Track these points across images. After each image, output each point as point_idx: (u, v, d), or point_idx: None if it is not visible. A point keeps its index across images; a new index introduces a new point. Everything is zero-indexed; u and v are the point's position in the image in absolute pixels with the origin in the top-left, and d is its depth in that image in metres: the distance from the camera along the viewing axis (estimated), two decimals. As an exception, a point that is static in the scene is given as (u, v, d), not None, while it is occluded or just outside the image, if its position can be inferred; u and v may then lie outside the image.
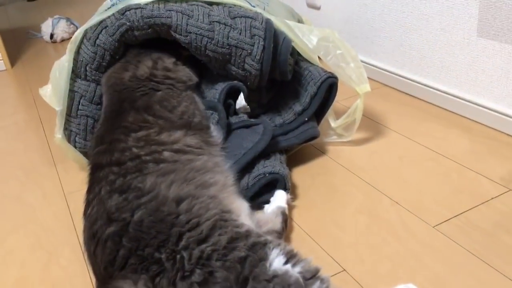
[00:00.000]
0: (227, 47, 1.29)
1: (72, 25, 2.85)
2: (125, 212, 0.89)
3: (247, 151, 1.23)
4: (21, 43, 2.84)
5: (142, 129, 1.09)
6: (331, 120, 1.49)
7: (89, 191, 1.01)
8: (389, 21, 1.82)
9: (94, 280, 1.05)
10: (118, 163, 1.00)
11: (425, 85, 1.75)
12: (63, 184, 1.42)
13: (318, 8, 2.19)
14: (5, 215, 1.31)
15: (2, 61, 2.44)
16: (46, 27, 2.82)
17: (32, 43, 2.83)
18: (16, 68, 2.46)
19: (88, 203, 0.98)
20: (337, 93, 1.42)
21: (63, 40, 2.81)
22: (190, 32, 1.28)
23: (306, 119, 1.40)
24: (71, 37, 2.97)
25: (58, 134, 1.34)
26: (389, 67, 1.89)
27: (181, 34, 1.28)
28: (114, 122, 1.12)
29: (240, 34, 1.29)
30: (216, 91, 1.34)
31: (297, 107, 1.41)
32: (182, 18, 1.28)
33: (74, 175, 1.45)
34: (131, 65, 1.29)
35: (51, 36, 2.79)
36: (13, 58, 2.56)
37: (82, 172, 1.46)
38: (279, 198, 1.19)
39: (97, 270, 0.90)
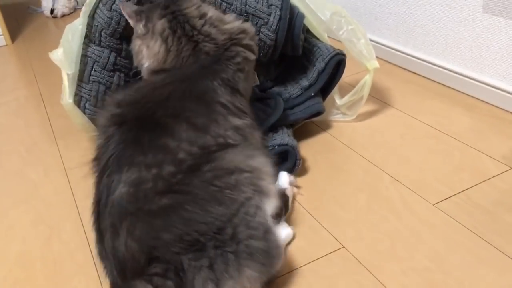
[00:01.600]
0: (245, 14, 1.31)
1: (72, 0, 2.81)
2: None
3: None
4: (21, 18, 2.81)
5: (240, 117, 1.04)
6: (337, 98, 1.48)
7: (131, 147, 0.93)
8: (394, -4, 1.79)
9: (94, 252, 1.06)
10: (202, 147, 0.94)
11: (428, 62, 1.73)
12: (63, 160, 1.42)
13: (321, -17, 2.15)
14: (6, 191, 1.32)
15: (2, 36, 2.43)
16: (47, 2, 2.79)
17: (32, 18, 2.80)
18: (17, 44, 2.44)
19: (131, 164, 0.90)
20: (342, 71, 1.41)
21: (63, 15, 2.78)
22: None
23: (313, 94, 1.40)
24: (71, 12, 2.94)
25: (69, 99, 1.28)
26: (392, 44, 1.87)
27: None
28: (191, 88, 1.03)
29: (257, 2, 1.31)
30: None
31: (304, 82, 1.42)
32: None
33: (75, 152, 1.45)
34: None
35: (52, 11, 2.76)
36: (14, 33, 2.54)
37: (82, 149, 1.46)
38: (280, 179, 1.18)
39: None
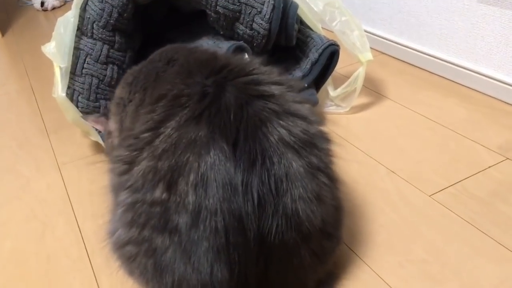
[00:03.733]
0: (238, 4, 1.29)
1: (63, -7, 2.79)
2: None
3: None
4: (12, 11, 2.78)
5: None
6: (330, 89, 1.47)
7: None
8: (388, -14, 1.78)
9: (89, 250, 1.05)
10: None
11: (423, 53, 1.72)
12: (56, 155, 1.41)
13: (315, -26, 2.14)
14: (-2, 186, 1.31)
15: (-8, 29, 2.40)
16: (37, -5, 2.76)
17: (23, 12, 2.77)
18: (7, 37, 2.41)
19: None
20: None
21: (54, 8, 2.75)
22: None
23: (306, 85, 1.39)
24: (62, 5, 2.90)
25: (62, 93, 1.26)
26: (387, 34, 1.86)
27: None
28: None
29: None
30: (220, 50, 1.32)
31: (297, 73, 1.41)
32: None
33: (68, 146, 1.44)
34: None
35: (42, 4, 2.73)
36: (4, 26, 2.51)
37: (75, 143, 1.45)
38: None
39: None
